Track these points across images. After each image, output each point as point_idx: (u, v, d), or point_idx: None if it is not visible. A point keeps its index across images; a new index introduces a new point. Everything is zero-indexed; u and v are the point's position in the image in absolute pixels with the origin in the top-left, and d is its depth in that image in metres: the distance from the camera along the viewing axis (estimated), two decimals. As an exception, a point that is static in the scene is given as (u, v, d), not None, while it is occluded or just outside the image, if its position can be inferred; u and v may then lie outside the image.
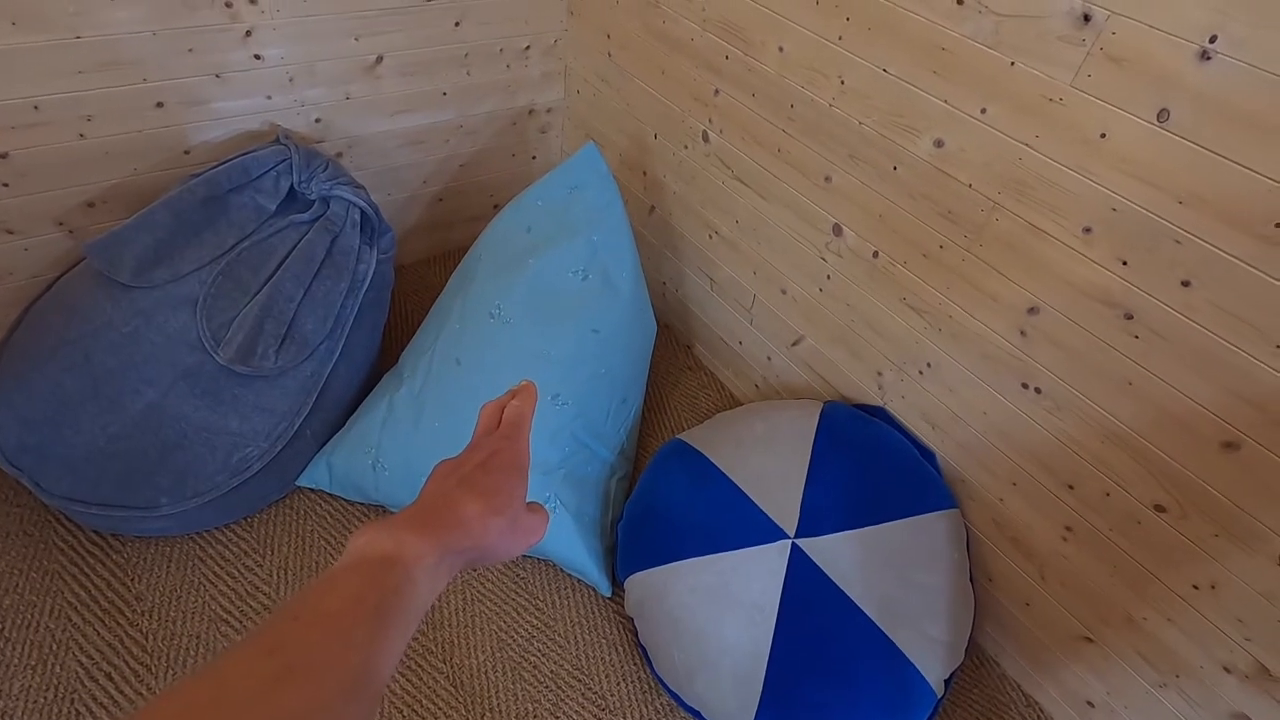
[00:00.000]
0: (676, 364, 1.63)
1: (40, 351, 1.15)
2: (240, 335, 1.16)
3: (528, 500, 0.43)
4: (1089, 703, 1.08)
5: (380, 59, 1.43)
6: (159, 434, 1.13)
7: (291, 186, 1.27)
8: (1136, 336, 0.85)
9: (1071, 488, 0.99)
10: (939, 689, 1.03)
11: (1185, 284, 0.79)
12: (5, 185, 1.19)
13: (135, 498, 1.11)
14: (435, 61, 1.49)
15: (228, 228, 1.23)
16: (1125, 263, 0.84)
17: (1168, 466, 0.87)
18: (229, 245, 1.22)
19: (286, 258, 1.23)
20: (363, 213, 1.30)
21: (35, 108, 1.15)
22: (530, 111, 1.72)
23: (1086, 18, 0.79)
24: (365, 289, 1.29)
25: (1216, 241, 0.75)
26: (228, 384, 1.16)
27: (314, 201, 1.28)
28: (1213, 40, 0.70)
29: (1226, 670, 0.89)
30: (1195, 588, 0.89)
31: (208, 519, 1.20)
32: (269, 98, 1.35)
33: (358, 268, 1.29)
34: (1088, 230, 0.86)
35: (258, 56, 1.30)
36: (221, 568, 1.17)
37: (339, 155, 1.50)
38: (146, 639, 1.07)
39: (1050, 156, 0.87)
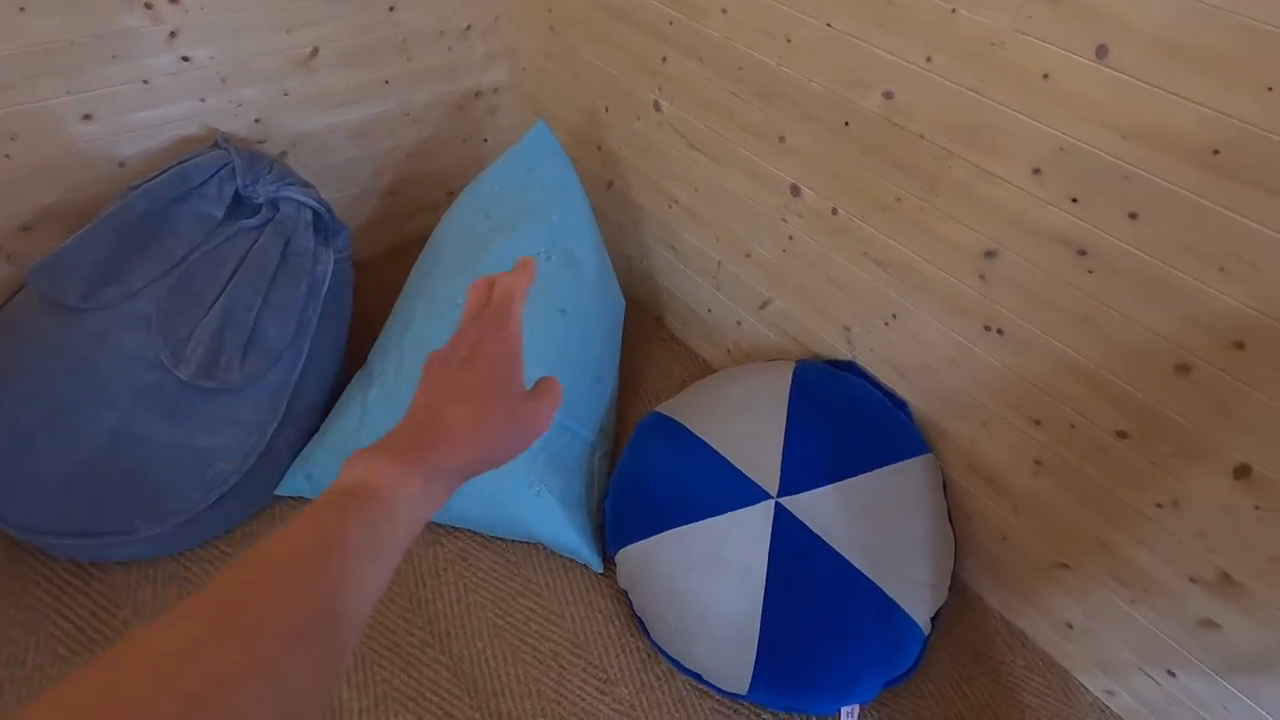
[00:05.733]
0: (649, 337, 1.63)
1: (-9, 384, 1.11)
2: (200, 349, 1.13)
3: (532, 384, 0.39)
4: (1068, 624, 1.13)
5: (315, 51, 1.38)
6: (126, 457, 1.10)
7: (236, 191, 1.23)
8: (1091, 271, 0.87)
9: (1038, 423, 1.02)
10: (926, 627, 1.07)
11: (1133, 216, 0.81)
12: (-69, 214, 1.14)
13: (109, 524, 1.09)
14: (373, 49, 1.45)
15: (174, 239, 1.19)
16: (1075, 200, 0.86)
17: (1127, 394, 0.90)
18: (178, 257, 1.18)
19: (240, 265, 1.20)
20: (314, 212, 1.27)
21: (-47, 130, 1.09)
22: (477, 94, 1.68)
23: (1022, -41, 0.79)
24: (325, 290, 1.27)
25: (1160, 173, 0.77)
26: (192, 400, 1.13)
27: (262, 205, 1.25)
28: (1144, -27, 0.71)
29: (1192, 581, 0.94)
30: (1159, 506, 0.93)
31: (189, 538, 1.18)
32: (202, 100, 1.30)
33: (315, 269, 1.26)
34: (1037, 171, 0.88)
35: (185, 58, 1.24)
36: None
37: (283, 154, 1.46)
38: (139, 663, 1.06)
39: (997, 101, 0.88)
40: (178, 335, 1.14)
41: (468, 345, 0.40)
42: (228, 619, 0.27)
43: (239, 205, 1.25)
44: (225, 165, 1.23)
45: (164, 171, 1.20)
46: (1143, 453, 0.92)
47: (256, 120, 1.38)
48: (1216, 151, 0.73)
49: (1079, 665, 1.15)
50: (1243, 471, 0.84)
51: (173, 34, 1.21)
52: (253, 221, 1.23)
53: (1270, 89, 0.68)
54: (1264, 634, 0.89)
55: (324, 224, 1.29)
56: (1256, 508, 0.84)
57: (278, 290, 1.21)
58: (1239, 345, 0.78)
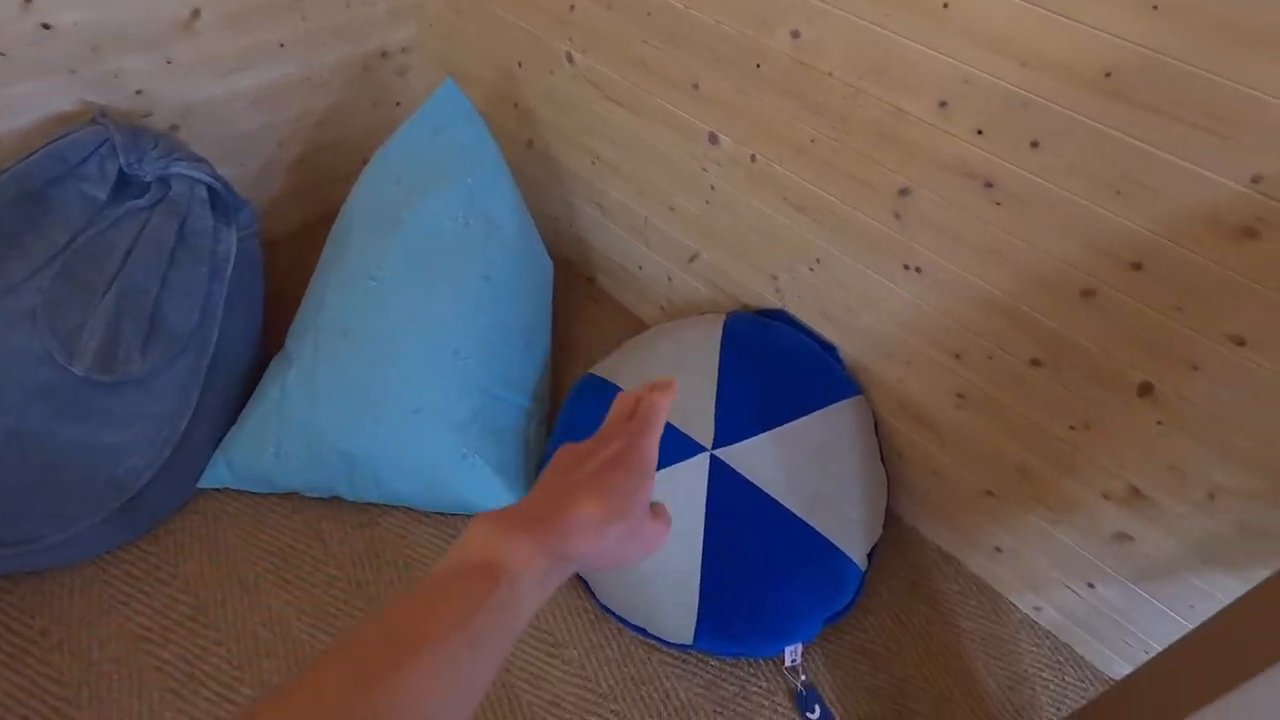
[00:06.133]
0: (582, 298, 1.60)
1: None
2: (95, 341, 1.06)
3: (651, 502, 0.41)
4: (997, 549, 1.17)
5: (196, 13, 1.28)
6: (27, 461, 1.04)
7: (121, 170, 1.15)
8: (998, 203, 0.88)
9: (958, 357, 1.04)
10: (863, 564, 1.10)
11: (1035, 145, 0.82)
12: None
13: (14, 533, 1.03)
14: (262, 9, 1.35)
15: (54, 225, 1.10)
16: (980, 132, 0.86)
17: (1038, 323, 0.92)
18: (61, 244, 1.10)
19: (131, 249, 1.12)
20: (210, 188, 1.19)
21: None
22: (383, 54, 1.59)
23: (915, -118, 0.77)
24: (230, 271, 1.20)
25: (1057, 99, 0.78)
26: (93, 395, 1.07)
27: (151, 183, 1.16)
28: (1032, -108, 0.70)
29: (1106, 497, 0.98)
30: (1073, 429, 0.96)
31: (106, 540, 1.13)
32: (73, 72, 1.20)
33: (217, 249, 1.19)
34: (943, 104, 0.87)
35: (46, 25, 1.14)
36: (132, 586, 1.10)
37: (174, 128, 1.36)
38: (61, 674, 1.01)
39: (901, 34, 0.86)
40: (68, 328, 1.06)
41: (615, 448, 0.40)
42: (383, 706, 0.28)
43: (125, 185, 1.17)
44: (105, 142, 1.14)
45: (36, 152, 1.11)
46: (1056, 378, 0.94)
47: (138, 91, 1.28)
48: (1109, 74, 0.73)
49: (1009, 586, 1.20)
50: (1145, 389, 0.87)
51: (27, -1, 1.10)
52: (142, 202, 1.15)
53: (1155, 7, 0.68)
54: (1170, 541, 0.94)
55: (222, 200, 1.21)
56: (1159, 423, 0.87)
57: (177, 273, 1.14)
58: (1137, 267, 0.80)
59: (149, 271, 1.11)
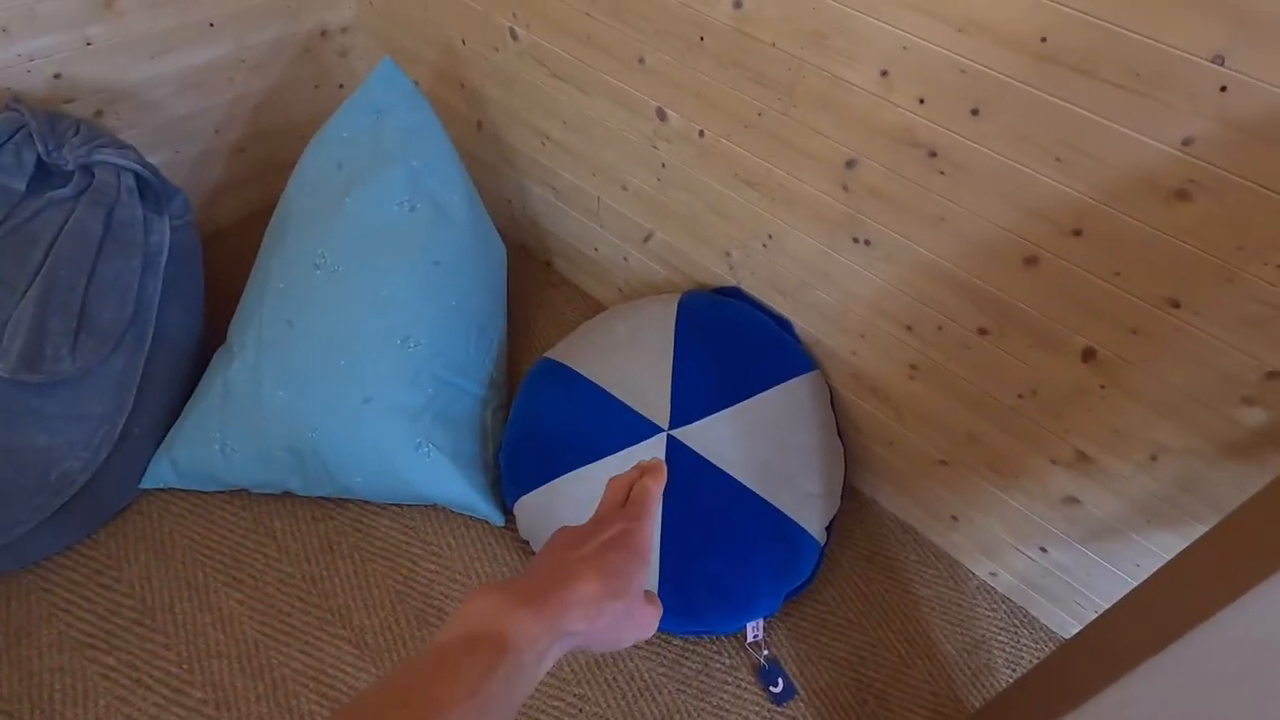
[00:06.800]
0: (538, 282, 1.58)
1: None
2: (19, 340, 1.01)
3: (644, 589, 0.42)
4: (953, 517, 1.19)
5: (116, -10, 1.21)
6: (-47, 468, 0.99)
7: (39, 159, 1.09)
8: (942, 172, 0.88)
9: (910, 329, 1.04)
10: (821, 537, 1.10)
11: (975, 112, 0.81)
12: None
13: (-59, 543, 0.99)
14: (187, -14, 1.29)
15: (-32, 219, 1.05)
16: (922, 100, 0.85)
17: (984, 291, 0.93)
18: (-23, 239, 1.04)
19: (55, 242, 1.07)
20: (137, 176, 1.14)
21: None
22: (323, 33, 1.53)
23: None
24: (164, 263, 1.15)
25: (994, 65, 0.77)
26: (20, 397, 1.02)
27: (74, 172, 1.11)
28: None
29: (1054, 462, 0.99)
30: (1020, 396, 0.97)
31: (44, 545, 1.09)
32: (-18, 56, 1.13)
33: (149, 240, 1.14)
34: (885, 73, 0.86)
35: (-52, 5, 1.07)
36: (72, 592, 1.07)
37: (98, 115, 1.30)
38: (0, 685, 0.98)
39: (840, 1, 0.85)
40: (-11, 327, 1.01)
41: (615, 531, 0.41)
42: None
43: (46, 175, 1.11)
44: (20, 129, 1.08)
45: (-56, 142, 1.05)
46: (1002, 346, 0.95)
47: (57, 76, 1.22)
48: (1044, 39, 0.73)
49: (965, 553, 1.22)
50: (1089, 354, 0.88)
51: (-74, -23, 1.04)
52: (65, 192, 1.09)
53: (1088, -31, 0.68)
54: (1115, 501, 0.96)
55: (152, 189, 1.16)
56: (1102, 387, 0.89)
57: (106, 266, 1.09)
58: (1077, 233, 0.81)
59: (75, 265, 1.06)
